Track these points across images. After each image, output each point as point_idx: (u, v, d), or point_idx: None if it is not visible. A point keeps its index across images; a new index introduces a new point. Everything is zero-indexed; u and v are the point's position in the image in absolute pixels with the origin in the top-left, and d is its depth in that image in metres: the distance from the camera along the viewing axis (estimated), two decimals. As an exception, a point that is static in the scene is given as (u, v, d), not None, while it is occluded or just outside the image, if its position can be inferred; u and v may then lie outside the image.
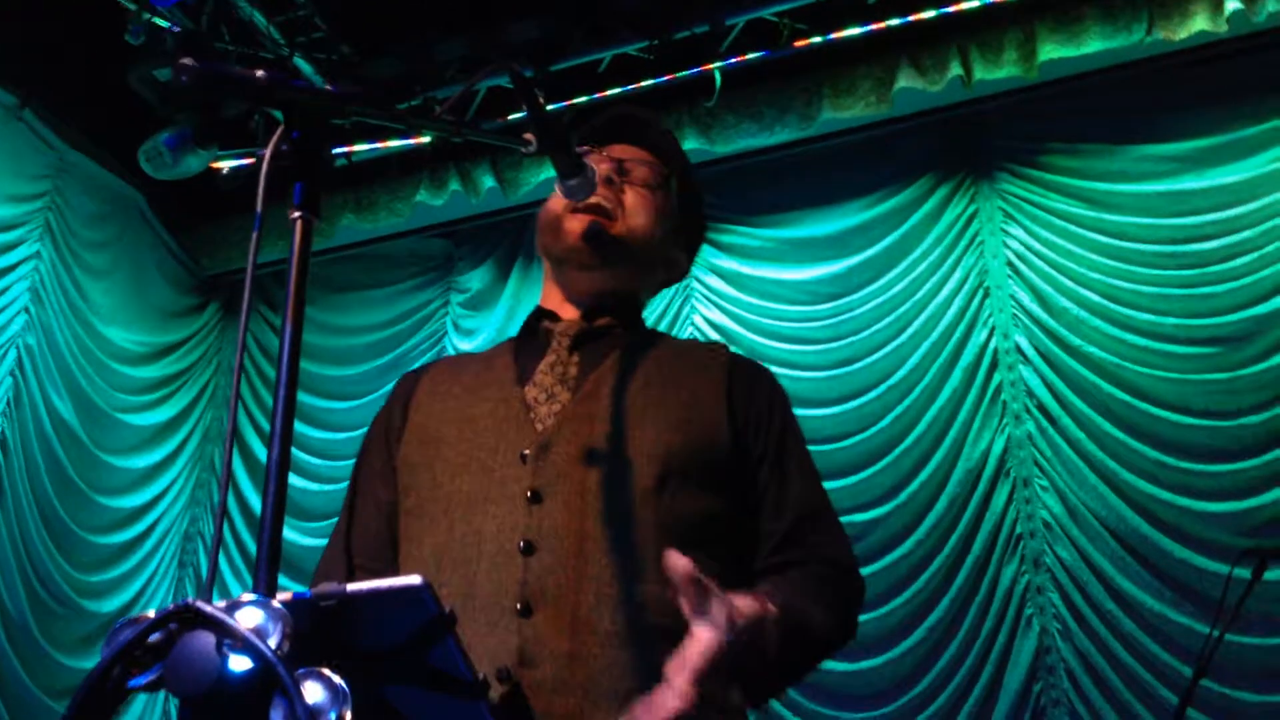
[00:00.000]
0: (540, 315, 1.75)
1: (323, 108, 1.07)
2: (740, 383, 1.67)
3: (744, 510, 1.59)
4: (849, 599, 1.58)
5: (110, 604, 5.57)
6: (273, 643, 0.82)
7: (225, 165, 5.56)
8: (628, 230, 1.72)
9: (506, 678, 1.37)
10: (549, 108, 5.31)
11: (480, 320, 6.17)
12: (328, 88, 1.11)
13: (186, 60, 0.95)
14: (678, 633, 1.36)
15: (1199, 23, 4.60)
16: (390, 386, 1.82)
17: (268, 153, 1.03)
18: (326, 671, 0.85)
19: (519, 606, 1.40)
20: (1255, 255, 4.68)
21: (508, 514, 1.47)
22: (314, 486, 6.06)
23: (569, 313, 1.74)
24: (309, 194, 1.04)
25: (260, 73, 1.01)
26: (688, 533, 1.48)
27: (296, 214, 1.02)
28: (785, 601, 1.39)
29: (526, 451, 1.52)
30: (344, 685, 0.84)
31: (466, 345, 6.10)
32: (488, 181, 5.80)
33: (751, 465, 1.61)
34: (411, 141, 5.72)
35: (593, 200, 1.67)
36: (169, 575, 5.99)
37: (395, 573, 1.58)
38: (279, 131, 1.03)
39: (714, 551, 1.51)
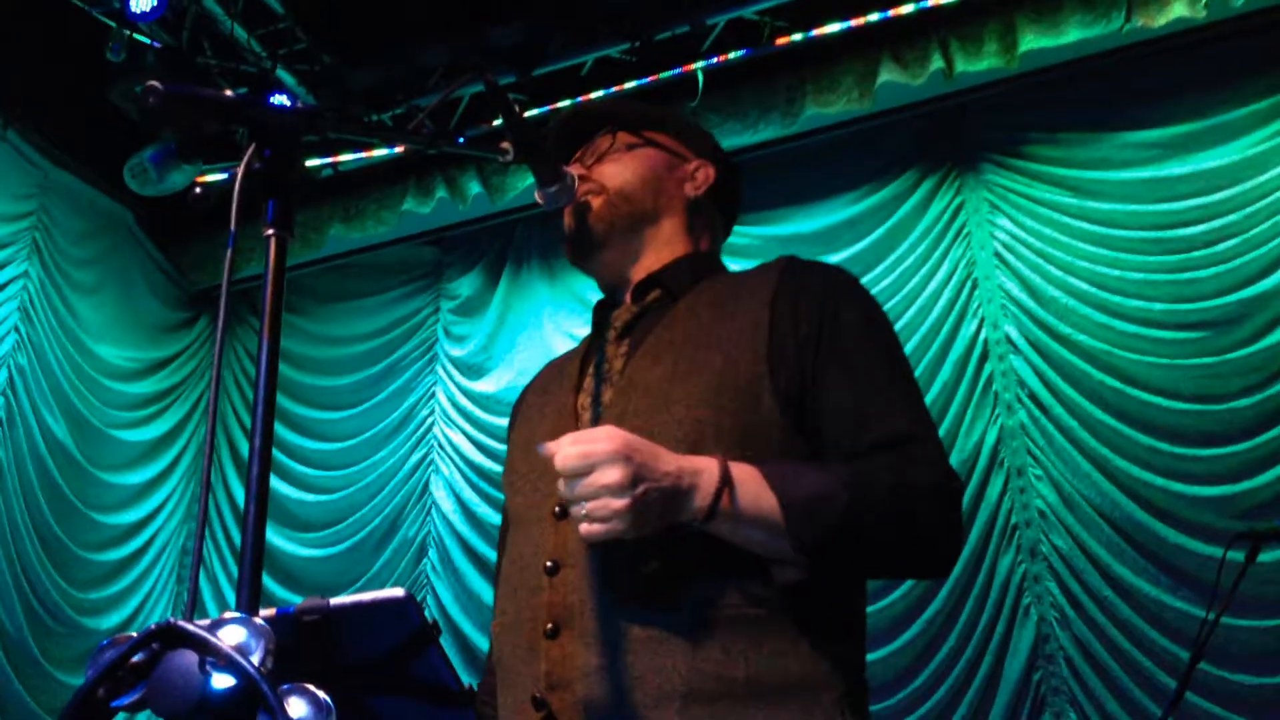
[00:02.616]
0: (602, 305, 1.72)
1: (292, 126, 1.07)
2: (787, 292, 1.50)
3: (796, 422, 1.43)
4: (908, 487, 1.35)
5: (109, 621, 5.57)
6: (256, 659, 0.83)
7: (207, 179, 5.56)
8: (615, 190, 1.67)
9: (541, 705, 1.34)
10: (531, 112, 5.33)
11: (471, 326, 6.17)
12: (298, 105, 1.12)
13: (153, 84, 0.95)
14: (717, 625, 1.33)
15: (1178, 9, 4.61)
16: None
17: (239, 172, 1.03)
18: (310, 686, 0.85)
19: (549, 628, 1.37)
20: (1240, 239, 4.69)
21: (540, 534, 1.45)
22: (309, 497, 6.06)
23: (623, 295, 1.69)
24: (282, 211, 1.05)
25: (229, 92, 1.02)
26: None
27: (270, 231, 1.03)
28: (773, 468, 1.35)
29: None
30: (328, 700, 0.85)
31: (458, 352, 6.10)
32: (474, 188, 5.81)
33: (796, 381, 1.44)
34: (397, 150, 5.72)
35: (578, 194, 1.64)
36: (167, 590, 5.99)
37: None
38: (249, 150, 1.04)
39: None
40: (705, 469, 1.30)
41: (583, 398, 1.56)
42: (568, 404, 1.56)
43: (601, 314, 1.69)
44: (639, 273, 1.67)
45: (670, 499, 1.27)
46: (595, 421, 1.49)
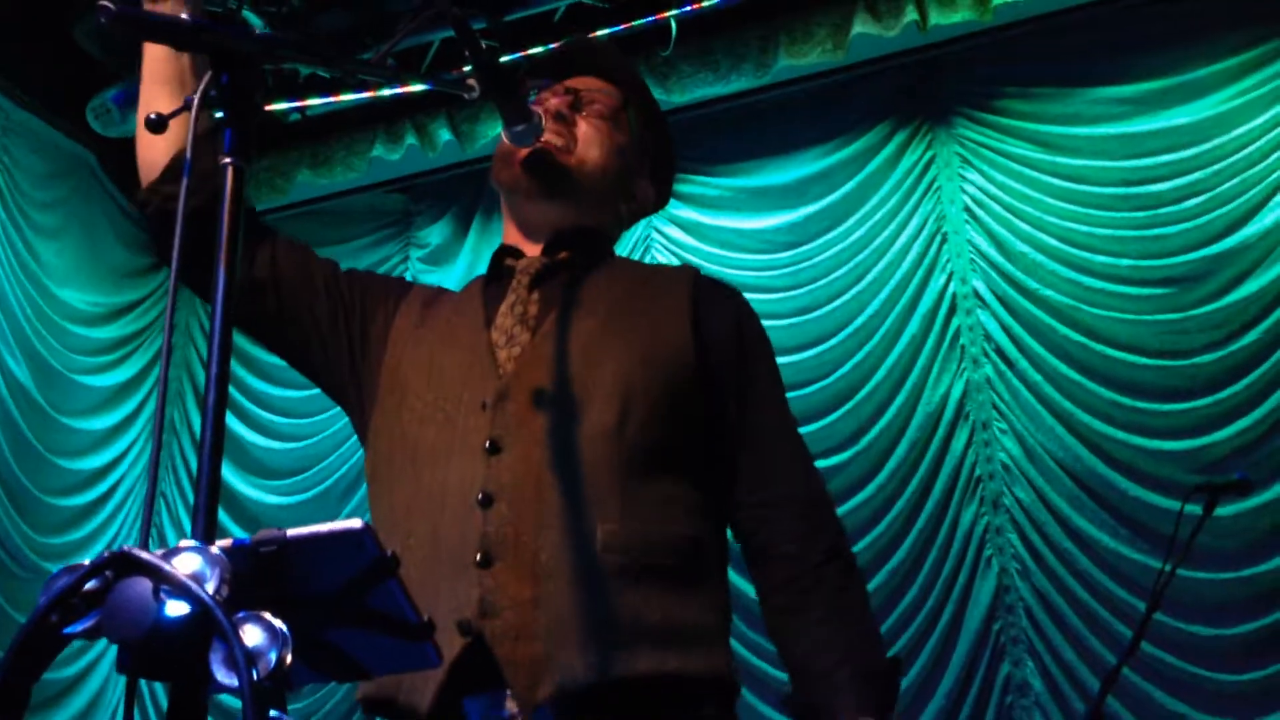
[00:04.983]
0: (504, 253, 1.73)
1: (251, 52, 1.05)
2: (707, 304, 1.66)
3: (715, 437, 1.59)
4: (839, 559, 1.58)
5: (73, 566, 5.53)
6: (210, 587, 0.83)
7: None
8: (579, 162, 1.68)
9: (468, 630, 1.39)
10: (504, 59, 5.26)
11: (441, 275, 6.13)
12: (258, 33, 1.10)
13: (104, 3, 0.93)
14: (639, 570, 1.43)
15: (1151, -36, 4.61)
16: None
17: (196, 98, 1.01)
18: (266, 615, 0.85)
19: (479, 558, 1.42)
20: (1207, 196, 4.72)
21: (468, 466, 1.48)
22: (277, 445, 6.04)
23: (530, 249, 1.71)
24: (239, 140, 1.03)
25: (184, 15, 1.00)
26: (652, 466, 1.50)
27: (226, 160, 1.01)
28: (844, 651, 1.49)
29: (487, 400, 1.52)
30: (284, 628, 0.85)
31: (427, 300, 6.05)
32: (444, 135, 5.74)
33: (718, 391, 1.60)
34: (366, 95, 5.64)
35: (544, 138, 1.64)
36: (132, 536, 5.95)
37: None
38: (206, 77, 1.02)
39: (683, 481, 1.53)
40: None
41: (496, 334, 1.59)
42: (480, 340, 1.59)
43: (501, 259, 1.72)
44: (556, 229, 1.71)
45: None
46: (517, 361, 1.55)
